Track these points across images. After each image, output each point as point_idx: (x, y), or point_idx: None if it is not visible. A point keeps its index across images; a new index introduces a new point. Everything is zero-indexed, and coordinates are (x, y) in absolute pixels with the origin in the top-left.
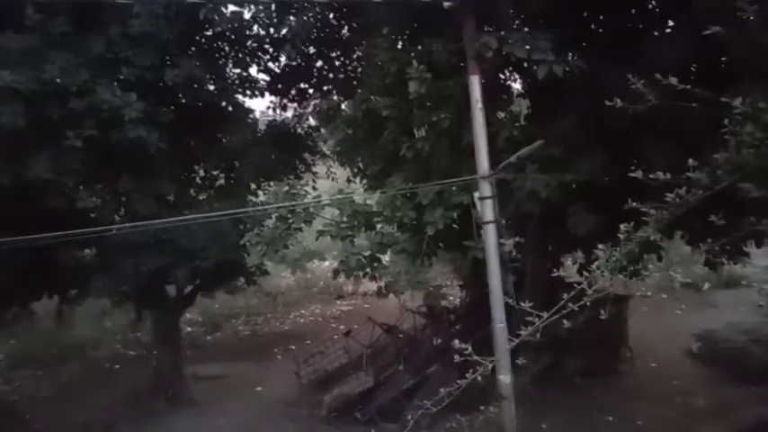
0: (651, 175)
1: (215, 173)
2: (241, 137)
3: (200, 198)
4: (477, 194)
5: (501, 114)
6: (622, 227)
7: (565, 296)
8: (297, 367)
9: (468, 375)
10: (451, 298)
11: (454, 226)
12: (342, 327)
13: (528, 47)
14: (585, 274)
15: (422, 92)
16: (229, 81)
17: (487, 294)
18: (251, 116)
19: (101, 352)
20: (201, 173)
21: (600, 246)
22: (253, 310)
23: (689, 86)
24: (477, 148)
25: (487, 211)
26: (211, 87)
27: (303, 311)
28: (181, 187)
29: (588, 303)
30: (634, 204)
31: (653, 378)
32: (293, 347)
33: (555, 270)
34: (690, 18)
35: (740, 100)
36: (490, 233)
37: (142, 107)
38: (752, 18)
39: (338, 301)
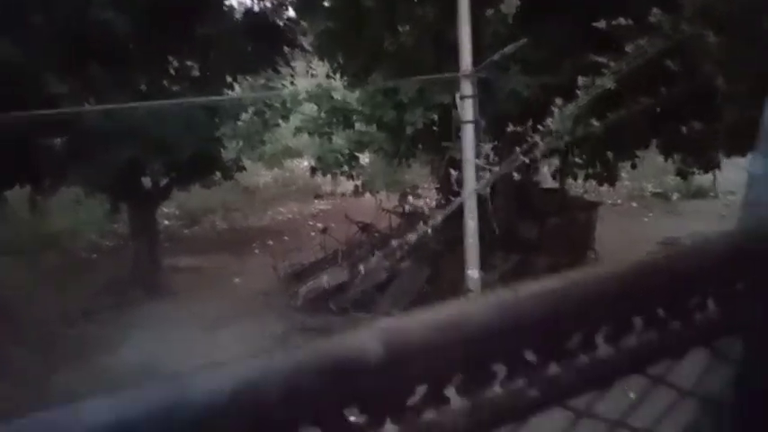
0: (614, 22)
1: (189, 63)
2: (216, 26)
3: (174, 89)
4: (458, 94)
5: (490, 11)
6: (581, 79)
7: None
8: (274, 261)
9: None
10: (428, 200)
11: (433, 128)
12: (319, 225)
13: None
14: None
15: None
16: None
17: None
18: (226, 3)
19: (78, 242)
20: (175, 63)
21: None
22: (230, 205)
23: None
24: (461, 45)
25: (467, 110)
26: None
27: (281, 209)
28: (153, 77)
29: (539, 156)
30: (594, 57)
31: None
32: (271, 243)
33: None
34: None
35: None
36: (468, 133)
37: None
38: None
39: (316, 201)
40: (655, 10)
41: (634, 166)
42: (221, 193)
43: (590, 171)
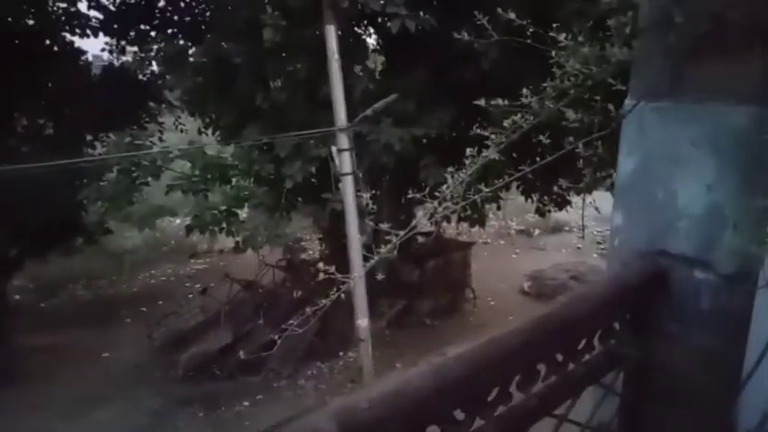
0: (492, 102)
1: (40, 121)
2: (71, 81)
3: (24, 150)
4: (334, 148)
5: (358, 68)
6: (468, 150)
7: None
8: (149, 329)
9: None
10: (311, 252)
11: (312, 180)
12: (197, 286)
13: (382, 0)
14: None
15: (277, 40)
16: (53, 16)
17: (346, 245)
18: (82, 58)
19: None
20: (24, 121)
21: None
22: (95, 272)
23: (525, 22)
24: (335, 100)
25: (345, 162)
26: (30, 22)
27: (153, 272)
28: None
29: (438, 221)
30: (479, 131)
31: (492, 314)
32: (144, 310)
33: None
34: None
35: (564, 35)
36: (348, 185)
37: None
38: None
39: (192, 260)
40: (525, 90)
41: (499, 208)
42: (83, 260)
43: (462, 214)
